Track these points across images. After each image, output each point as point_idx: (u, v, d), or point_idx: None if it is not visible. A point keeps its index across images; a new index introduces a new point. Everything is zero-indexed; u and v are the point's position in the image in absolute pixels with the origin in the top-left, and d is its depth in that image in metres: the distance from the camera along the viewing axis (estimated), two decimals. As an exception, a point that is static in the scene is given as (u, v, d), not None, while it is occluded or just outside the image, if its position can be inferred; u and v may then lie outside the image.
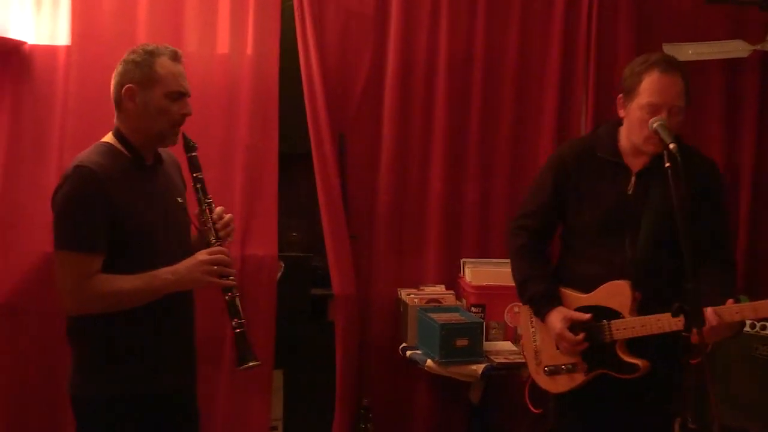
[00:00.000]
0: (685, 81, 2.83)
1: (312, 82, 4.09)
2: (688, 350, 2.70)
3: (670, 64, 2.84)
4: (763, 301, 2.63)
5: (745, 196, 4.55)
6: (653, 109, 2.79)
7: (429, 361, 3.81)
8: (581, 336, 2.91)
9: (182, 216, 2.78)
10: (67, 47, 3.89)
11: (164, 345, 2.68)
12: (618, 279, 2.88)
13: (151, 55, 2.61)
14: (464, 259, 4.29)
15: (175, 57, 2.66)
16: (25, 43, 3.88)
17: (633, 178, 2.92)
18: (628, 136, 2.93)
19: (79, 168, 2.52)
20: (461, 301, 4.18)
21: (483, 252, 4.38)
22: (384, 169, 4.29)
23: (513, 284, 4.08)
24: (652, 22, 4.51)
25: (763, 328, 3.85)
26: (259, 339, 3.99)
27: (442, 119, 4.31)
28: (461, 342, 3.76)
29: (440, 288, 4.25)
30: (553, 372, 3.05)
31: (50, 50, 3.90)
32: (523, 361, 3.78)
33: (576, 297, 3.00)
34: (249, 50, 4.05)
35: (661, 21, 4.52)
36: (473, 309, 4.05)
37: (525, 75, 4.41)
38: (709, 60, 4.42)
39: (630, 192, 2.91)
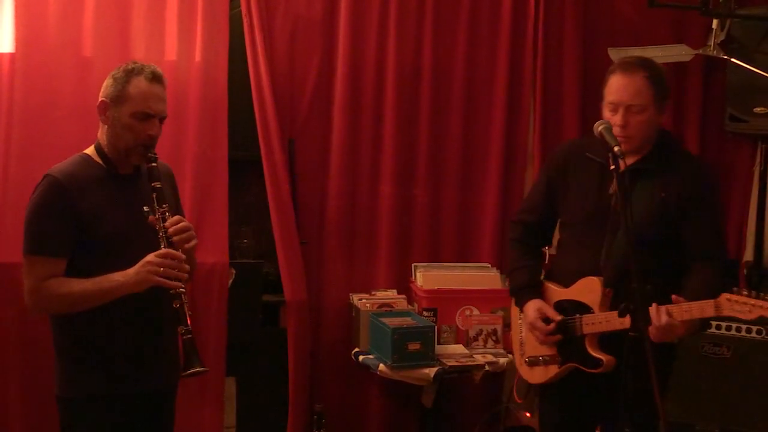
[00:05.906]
0: (651, 80, 2.86)
1: (261, 88, 4.08)
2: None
3: (631, 64, 2.89)
4: (708, 301, 2.65)
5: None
6: (612, 108, 2.88)
7: (381, 366, 3.82)
8: (552, 326, 2.98)
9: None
10: (11, 55, 3.80)
11: (144, 346, 2.77)
12: (594, 275, 2.93)
13: (128, 73, 2.72)
14: (415, 264, 4.30)
15: (154, 78, 2.74)
16: (-33, 51, 3.81)
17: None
18: None
19: (45, 177, 2.68)
20: (413, 306, 4.19)
21: (434, 256, 4.41)
22: (334, 175, 4.30)
23: (464, 288, 4.15)
24: (597, 28, 4.58)
25: (709, 326, 3.91)
26: (211, 346, 3.97)
27: (392, 124, 4.33)
28: (413, 346, 3.78)
29: (392, 292, 4.27)
30: (533, 363, 3.12)
31: (-7, 58, 3.84)
32: (475, 363, 3.86)
33: (556, 291, 3.08)
34: (197, 57, 4.02)
35: (606, 27, 4.59)
36: (425, 313, 4.07)
37: (473, 79, 4.45)
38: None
39: (611, 192, 2.94)
